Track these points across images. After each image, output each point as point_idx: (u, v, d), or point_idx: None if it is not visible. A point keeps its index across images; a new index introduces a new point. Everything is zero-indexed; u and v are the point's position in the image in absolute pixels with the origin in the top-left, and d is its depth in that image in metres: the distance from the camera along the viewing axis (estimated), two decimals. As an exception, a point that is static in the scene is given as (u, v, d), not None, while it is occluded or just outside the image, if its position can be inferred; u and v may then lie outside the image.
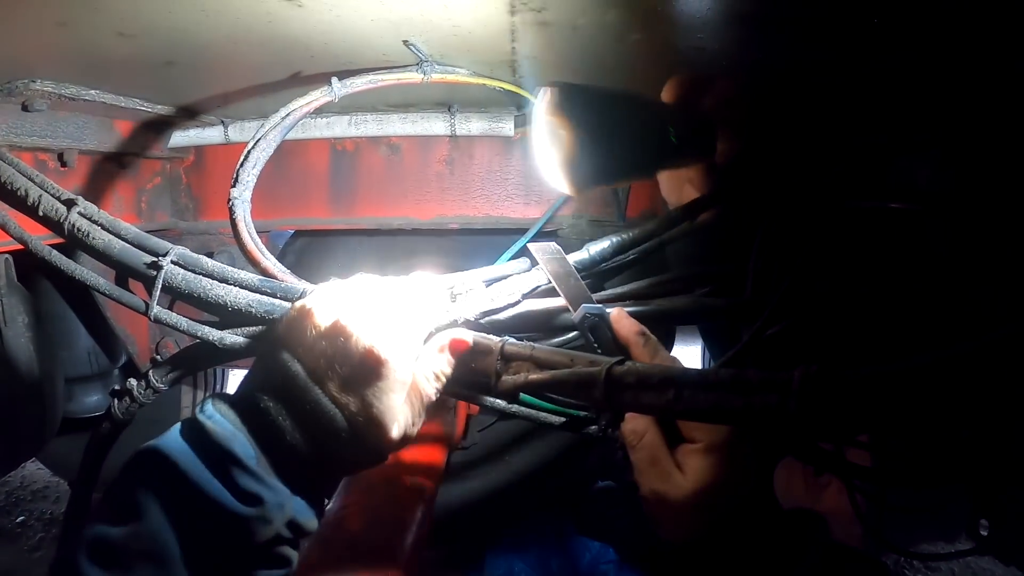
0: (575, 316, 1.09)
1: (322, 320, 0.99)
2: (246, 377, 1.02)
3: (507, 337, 1.05)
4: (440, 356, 1.06)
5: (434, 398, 1.04)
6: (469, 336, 1.08)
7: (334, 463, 0.99)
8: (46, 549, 3.60)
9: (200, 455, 0.92)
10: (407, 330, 1.01)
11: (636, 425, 1.03)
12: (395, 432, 0.98)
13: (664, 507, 1.01)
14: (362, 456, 0.99)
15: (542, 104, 1.13)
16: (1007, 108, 1.13)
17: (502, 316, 1.15)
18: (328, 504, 1.66)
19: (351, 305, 1.00)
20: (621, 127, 1.14)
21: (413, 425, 1.02)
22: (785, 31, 1.12)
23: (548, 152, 1.16)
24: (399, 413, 0.98)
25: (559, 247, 1.19)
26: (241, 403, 0.97)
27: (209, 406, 0.97)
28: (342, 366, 0.95)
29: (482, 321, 1.11)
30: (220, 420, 0.94)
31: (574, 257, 1.20)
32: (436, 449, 1.86)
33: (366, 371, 0.95)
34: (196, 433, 0.94)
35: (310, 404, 0.93)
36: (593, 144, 1.10)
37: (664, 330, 1.34)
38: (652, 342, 1.06)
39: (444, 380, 1.06)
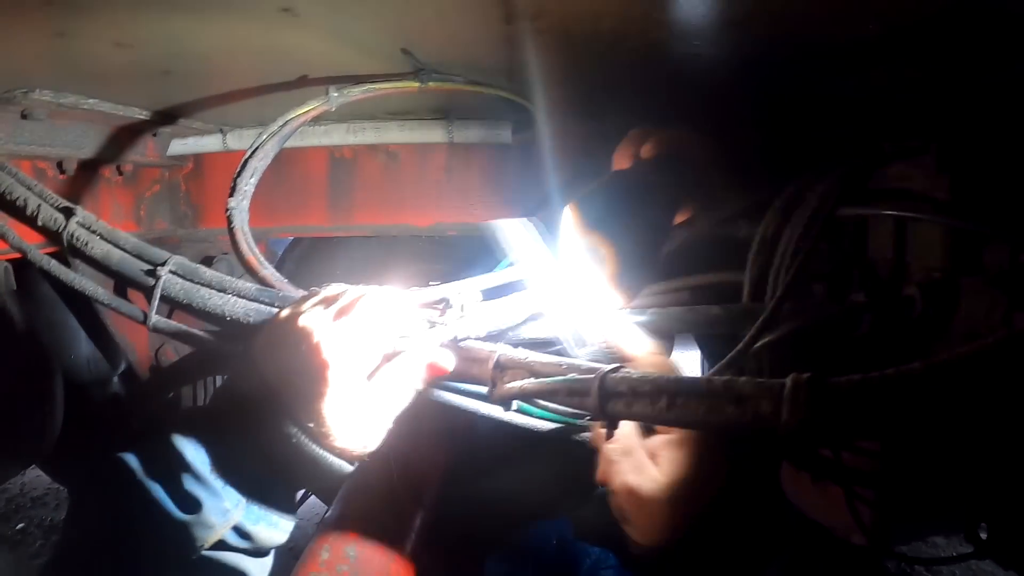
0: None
1: (285, 326, 1.00)
2: (216, 392, 1.04)
3: (503, 346, 1.05)
4: (415, 370, 1.06)
5: (399, 409, 1.04)
6: (451, 363, 1.08)
7: (287, 472, 0.98)
8: (46, 556, 3.60)
9: (151, 462, 0.93)
10: (364, 339, 1.01)
11: None
12: (341, 442, 0.97)
13: (637, 502, 0.99)
14: (311, 465, 0.97)
15: (571, 225, 1.14)
16: (1003, 112, 1.14)
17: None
18: (328, 511, 1.67)
19: (313, 314, 1.01)
20: (651, 219, 1.16)
21: (368, 435, 1.01)
22: (780, 36, 1.12)
23: (590, 271, 1.17)
24: (348, 423, 0.98)
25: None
26: (206, 411, 1.02)
27: (183, 419, 1.00)
28: (296, 374, 0.95)
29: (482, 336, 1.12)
30: (183, 427, 0.96)
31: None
32: (436, 455, 1.86)
33: (313, 378, 0.95)
34: (157, 441, 0.95)
35: (261, 414, 0.94)
36: (636, 248, 1.11)
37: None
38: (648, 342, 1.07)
39: (414, 394, 1.06)
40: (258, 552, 0.98)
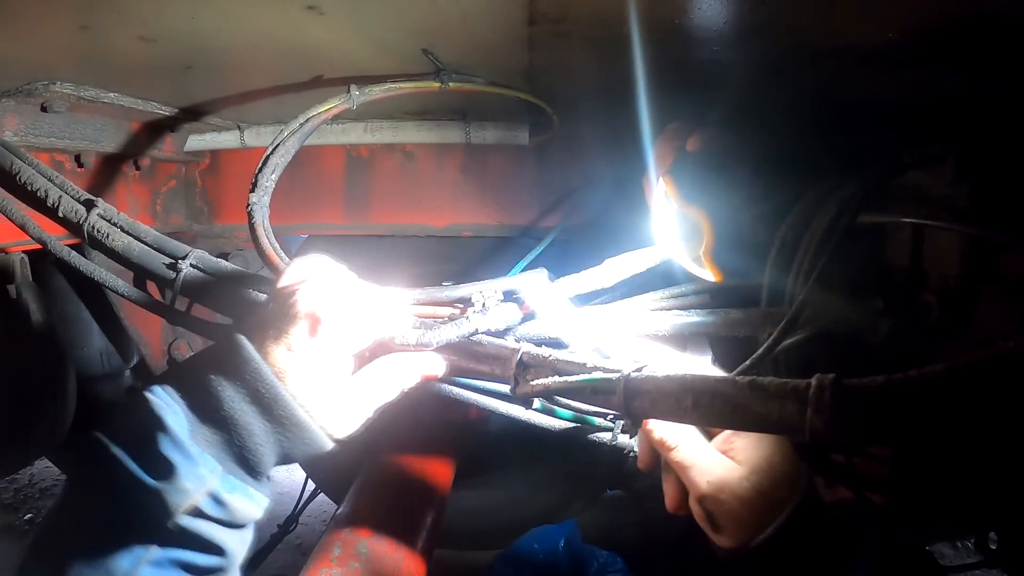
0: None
1: (281, 289, 1.01)
2: (196, 353, 1.03)
3: (526, 343, 1.05)
4: (404, 369, 1.06)
5: (381, 403, 1.03)
6: (441, 370, 1.09)
7: (271, 436, 0.94)
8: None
9: (126, 429, 0.91)
10: (359, 308, 1.01)
11: (665, 430, 1.00)
12: (320, 419, 0.96)
13: (726, 499, 0.98)
14: (296, 430, 0.94)
15: (666, 196, 1.15)
16: (1021, 121, 1.14)
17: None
18: (339, 508, 1.68)
19: (310, 282, 1.01)
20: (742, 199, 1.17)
21: (347, 421, 0.99)
22: (799, 42, 1.13)
23: (686, 244, 1.18)
24: (328, 403, 0.97)
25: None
26: (184, 375, 0.96)
27: (157, 385, 0.94)
28: (285, 331, 0.95)
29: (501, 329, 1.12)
30: (159, 391, 0.92)
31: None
32: (446, 456, 1.87)
33: (303, 330, 0.95)
34: (134, 406, 0.92)
35: (250, 373, 0.92)
36: (732, 224, 1.12)
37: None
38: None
39: (399, 392, 1.05)
40: (232, 524, 0.94)
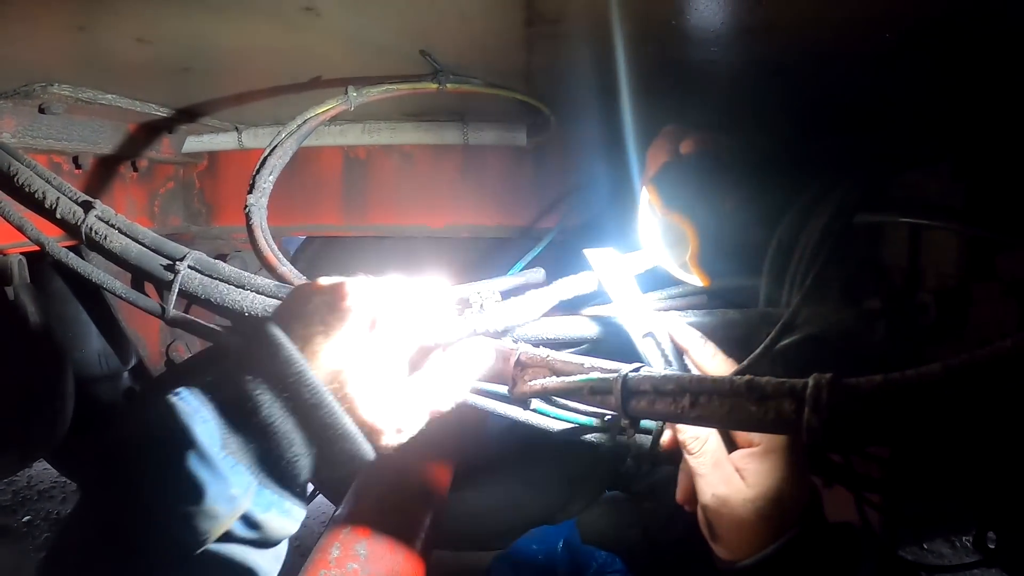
0: (634, 331, 1.10)
1: (323, 284, 0.93)
2: (229, 356, 0.91)
3: (523, 344, 1.05)
4: (464, 372, 0.99)
5: (444, 410, 0.95)
6: (490, 358, 1.02)
7: (312, 445, 0.84)
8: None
9: (151, 442, 0.82)
10: (410, 310, 0.93)
11: (698, 431, 1.01)
12: (372, 419, 0.87)
13: (727, 514, 0.99)
14: (340, 441, 0.84)
15: (649, 204, 1.15)
16: (1018, 120, 1.14)
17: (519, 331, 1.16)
18: (336, 511, 1.68)
19: (356, 279, 0.93)
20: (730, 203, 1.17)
21: (404, 421, 0.90)
22: (795, 44, 1.13)
23: (671, 251, 1.18)
24: (386, 402, 0.88)
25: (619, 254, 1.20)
26: (215, 380, 0.87)
27: (184, 388, 0.85)
28: (334, 326, 0.86)
29: (500, 330, 1.11)
30: (187, 396, 0.84)
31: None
32: (446, 455, 1.87)
33: (359, 325, 0.87)
34: (160, 412, 0.83)
35: (292, 376, 0.82)
36: (719, 229, 1.12)
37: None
38: (710, 344, 1.07)
39: (461, 396, 0.98)
40: (266, 543, 0.86)
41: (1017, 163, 1.10)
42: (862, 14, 1.00)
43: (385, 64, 1.40)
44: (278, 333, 0.84)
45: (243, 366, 0.85)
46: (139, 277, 1.25)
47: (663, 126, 1.29)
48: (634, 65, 1.25)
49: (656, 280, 1.26)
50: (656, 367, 1.08)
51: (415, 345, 0.95)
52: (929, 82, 1.24)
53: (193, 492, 0.78)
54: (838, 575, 0.96)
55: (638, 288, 1.18)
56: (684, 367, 1.08)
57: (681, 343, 1.09)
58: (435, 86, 1.43)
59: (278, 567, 0.91)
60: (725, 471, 0.99)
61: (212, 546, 0.80)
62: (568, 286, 1.16)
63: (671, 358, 1.08)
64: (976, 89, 1.22)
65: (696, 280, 1.17)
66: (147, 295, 1.29)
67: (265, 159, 1.32)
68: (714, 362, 1.07)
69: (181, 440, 0.79)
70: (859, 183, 1.16)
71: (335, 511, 1.69)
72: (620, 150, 1.40)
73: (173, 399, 0.83)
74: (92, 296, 2.39)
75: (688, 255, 1.14)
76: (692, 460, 1.01)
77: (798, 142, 1.33)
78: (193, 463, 0.79)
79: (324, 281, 0.93)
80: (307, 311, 0.89)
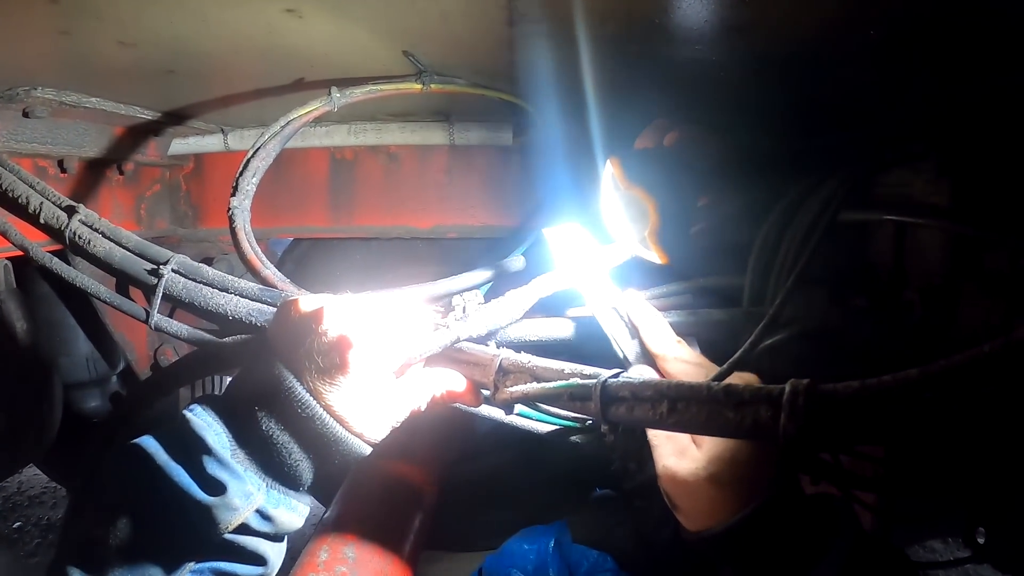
0: (597, 306, 1.11)
1: (304, 308, 1.00)
2: (233, 378, 1.04)
3: (505, 350, 1.05)
4: (437, 379, 1.08)
5: (409, 410, 1.04)
6: (462, 385, 1.10)
7: (310, 452, 0.97)
8: (43, 555, 3.59)
9: (173, 446, 0.94)
10: (388, 329, 1.02)
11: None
12: (356, 427, 0.98)
13: (679, 484, 0.99)
14: (333, 445, 0.97)
15: (612, 178, 1.15)
16: (1003, 118, 1.14)
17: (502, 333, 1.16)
18: (326, 512, 1.67)
19: (335, 301, 1.02)
20: (691, 186, 1.17)
21: (378, 426, 1.01)
22: (779, 42, 1.13)
23: (631, 226, 1.18)
24: (367, 409, 0.98)
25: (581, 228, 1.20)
26: (222, 399, 1.00)
27: (196, 404, 0.99)
28: (317, 354, 0.96)
29: (483, 335, 1.12)
30: (200, 412, 0.97)
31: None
32: (434, 457, 1.86)
33: (334, 358, 0.95)
34: (175, 426, 0.96)
35: (284, 393, 0.94)
36: (679, 207, 1.12)
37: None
38: (664, 325, 1.10)
39: (427, 400, 1.07)
40: (276, 536, 0.99)
41: (1002, 160, 1.10)
42: (846, 12, 1.00)
43: (369, 65, 1.40)
44: (280, 367, 0.96)
45: (245, 384, 0.99)
46: (123, 281, 1.24)
47: (646, 124, 1.29)
48: (615, 64, 1.25)
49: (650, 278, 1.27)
50: (622, 344, 1.10)
51: (398, 360, 1.04)
52: (914, 80, 1.24)
53: (215, 487, 0.91)
54: (809, 549, 0.96)
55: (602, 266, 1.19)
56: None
57: (636, 321, 1.11)
58: (419, 87, 1.43)
59: (281, 559, 1.03)
60: (678, 441, 1.01)
61: (230, 536, 0.93)
62: (547, 283, 1.16)
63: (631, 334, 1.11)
64: (961, 87, 1.22)
65: (655, 257, 1.17)
66: (132, 300, 1.28)
67: (248, 161, 1.31)
68: (662, 344, 1.09)
69: (198, 446, 0.93)
70: (844, 181, 1.16)
71: (324, 513, 1.69)
72: (608, 147, 1.40)
73: (187, 413, 0.97)
74: (79, 300, 2.38)
75: (647, 231, 1.14)
76: (648, 431, 1.04)
77: (783, 140, 1.33)
78: (211, 465, 0.92)
79: (305, 305, 1.02)
80: (293, 336, 0.98)
